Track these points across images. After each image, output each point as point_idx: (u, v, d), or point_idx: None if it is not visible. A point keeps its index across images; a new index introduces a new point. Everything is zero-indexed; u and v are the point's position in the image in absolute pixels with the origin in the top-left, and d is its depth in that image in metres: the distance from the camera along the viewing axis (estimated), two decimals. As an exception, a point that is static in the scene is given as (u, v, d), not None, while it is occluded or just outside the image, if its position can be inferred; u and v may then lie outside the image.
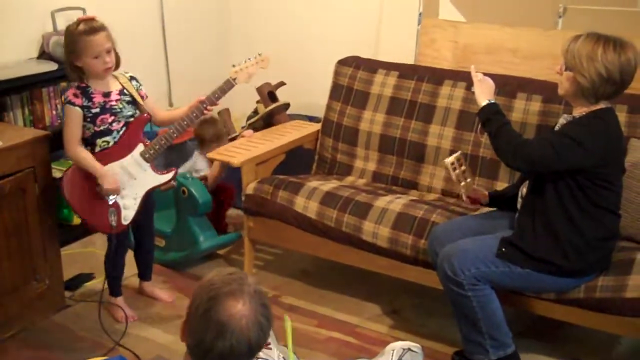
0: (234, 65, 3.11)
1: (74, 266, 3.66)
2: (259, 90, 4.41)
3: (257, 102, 4.57)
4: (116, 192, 2.97)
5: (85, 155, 2.95)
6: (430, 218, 3.06)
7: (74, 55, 2.91)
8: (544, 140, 2.65)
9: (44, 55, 3.88)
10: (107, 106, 2.97)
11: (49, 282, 3.23)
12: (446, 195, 3.48)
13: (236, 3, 5.00)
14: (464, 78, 3.55)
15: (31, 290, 3.17)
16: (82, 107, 2.93)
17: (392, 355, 2.80)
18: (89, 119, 2.95)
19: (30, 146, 3.05)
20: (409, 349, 2.83)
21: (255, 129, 4.36)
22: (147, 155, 3.05)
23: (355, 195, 3.27)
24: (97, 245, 3.98)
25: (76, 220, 3.99)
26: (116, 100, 3.00)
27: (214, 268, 3.73)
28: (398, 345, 2.85)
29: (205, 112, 3.03)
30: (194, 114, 3.02)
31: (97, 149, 3.00)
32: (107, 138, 3.00)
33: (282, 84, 4.47)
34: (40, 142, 3.10)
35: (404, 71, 3.73)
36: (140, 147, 3.05)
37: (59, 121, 3.90)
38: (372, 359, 2.85)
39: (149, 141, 3.08)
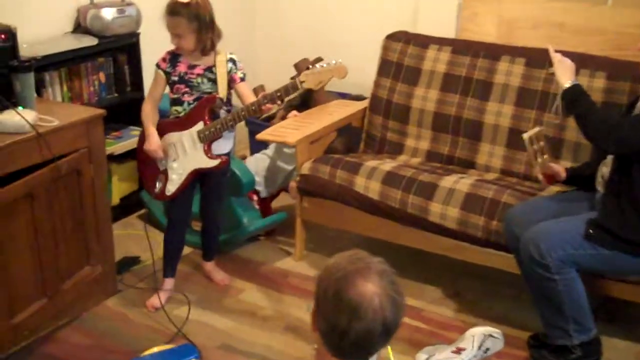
0: (308, 68, 2.95)
1: (116, 249, 3.51)
2: (297, 66, 4.28)
3: (292, 78, 4.44)
4: (155, 154, 3.00)
5: (147, 114, 3.04)
6: (501, 199, 2.98)
7: None
8: (638, 122, 2.57)
9: (79, 29, 3.72)
10: (186, 77, 2.95)
11: (102, 266, 3.11)
12: (506, 175, 3.39)
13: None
14: (522, 54, 3.46)
15: (86, 276, 3.05)
16: (164, 71, 2.98)
17: (473, 342, 2.73)
18: (170, 85, 3.00)
19: (85, 125, 2.91)
20: (490, 335, 2.77)
21: (292, 107, 4.25)
22: (202, 135, 2.95)
23: (417, 175, 3.18)
24: (135, 227, 3.86)
25: (115, 200, 3.87)
26: (197, 75, 2.95)
27: (261, 249, 3.66)
28: (478, 331, 2.78)
29: (263, 108, 2.90)
30: (253, 108, 2.89)
31: (171, 116, 3.02)
32: (179, 108, 3.00)
33: (319, 59, 4.33)
34: (96, 121, 2.95)
35: (458, 46, 3.62)
36: (199, 125, 2.95)
37: (97, 98, 3.76)
38: (451, 345, 2.78)
39: (211, 121, 2.96)
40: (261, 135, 3.42)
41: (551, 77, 2.82)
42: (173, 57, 2.97)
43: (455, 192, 3.05)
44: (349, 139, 3.79)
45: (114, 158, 3.76)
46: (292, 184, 3.52)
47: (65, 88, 3.59)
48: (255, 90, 4.34)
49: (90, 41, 3.58)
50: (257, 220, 3.60)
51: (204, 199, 3.20)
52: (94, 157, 2.96)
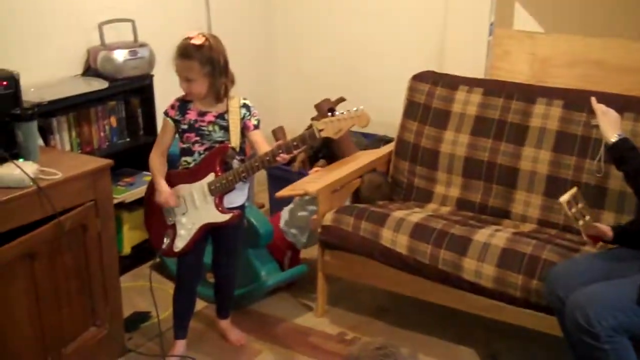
0: (330, 110, 2.73)
1: (126, 302, 3.30)
2: (318, 107, 4.08)
3: (312, 119, 4.24)
4: (168, 204, 2.78)
5: (154, 165, 2.82)
6: (541, 255, 2.73)
7: None
8: None
9: (89, 71, 3.55)
10: (196, 125, 2.74)
11: (109, 326, 2.89)
12: (544, 226, 3.14)
13: (281, 16, 4.68)
14: (560, 95, 3.23)
15: (91, 337, 2.83)
16: (173, 119, 2.77)
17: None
18: (179, 134, 2.78)
19: (92, 177, 2.71)
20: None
21: (313, 148, 4.05)
22: (212, 187, 2.73)
23: (449, 227, 2.94)
24: (147, 278, 3.62)
25: (126, 250, 3.66)
26: (208, 122, 2.74)
27: (280, 303, 3.42)
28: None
29: (278, 158, 2.64)
30: (267, 158, 2.66)
31: (180, 167, 2.81)
32: (188, 158, 2.78)
33: (342, 99, 4.14)
34: (102, 172, 2.75)
35: (490, 87, 3.40)
36: (210, 177, 2.73)
37: (108, 143, 3.57)
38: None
39: (222, 172, 2.74)
40: (281, 193, 3.18)
41: (595, 128, 2.60)
42: (182, 104, 2.76)
43: (491, 247, 2.80)
44: (379, 177, 3.53)
45: (124, 206, 3.56)
46: (314, 217, 3.28)
47: (74, 134, 3.41)
48: (275, 132, 4.15)
49: (100, 84, 3.40)
50: (276, 273, 3.37)
51: (216, 253, 2.98)
52: (101, 211, 2.76)
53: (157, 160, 2.81)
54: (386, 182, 3.44)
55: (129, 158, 3.65)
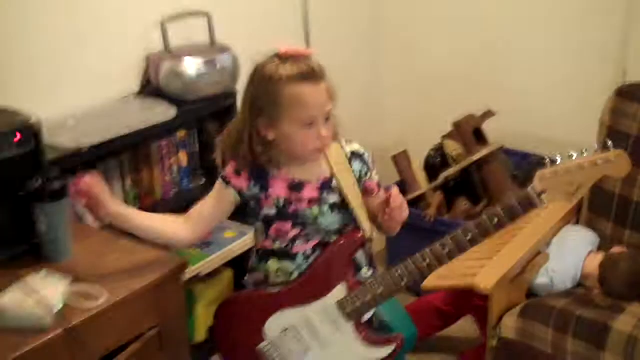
0: (545, 161, 1.54)
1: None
2: (459, 126, 2.99)
3: (444, 137, 3.14)
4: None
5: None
6: None
7: (264, 116, 1.59)
8: None
9: (149, 87, 2.52)
10: (291, 210, 1.65)
11: None
12: None
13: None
14: None
15: None
16: (243, 194, 1.68)
17: None
18: (264, 224, 1.70)
19: (154, 293, 1.68)
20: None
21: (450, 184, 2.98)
22: (348, 309, 1.68)
23: None
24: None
25: (199, 336, 2.65)
26: (311, 201, 1.65)
27: None
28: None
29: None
30: (463, 242, 1.59)
31: (271, 281, 1.73)
32: (287, 264, 1.70)
33: (490, 114, 3.02)
34: (170, 279, 1.72)
35: None
36: (340, 291, 1.67)
37: (175, 190, 2.56)
38: None
39: (358, 281, 1.70)
40: (433, 284, 2.12)
41: None
42: (255, 171, 1.66)
43: None
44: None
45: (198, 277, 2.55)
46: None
47: (128, 182, 2.40)
48: (397, 160, 3.06)
49: (165, 112, 2.36)
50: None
51: None
52: (167, 340, 1.74)
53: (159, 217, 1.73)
54: None
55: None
